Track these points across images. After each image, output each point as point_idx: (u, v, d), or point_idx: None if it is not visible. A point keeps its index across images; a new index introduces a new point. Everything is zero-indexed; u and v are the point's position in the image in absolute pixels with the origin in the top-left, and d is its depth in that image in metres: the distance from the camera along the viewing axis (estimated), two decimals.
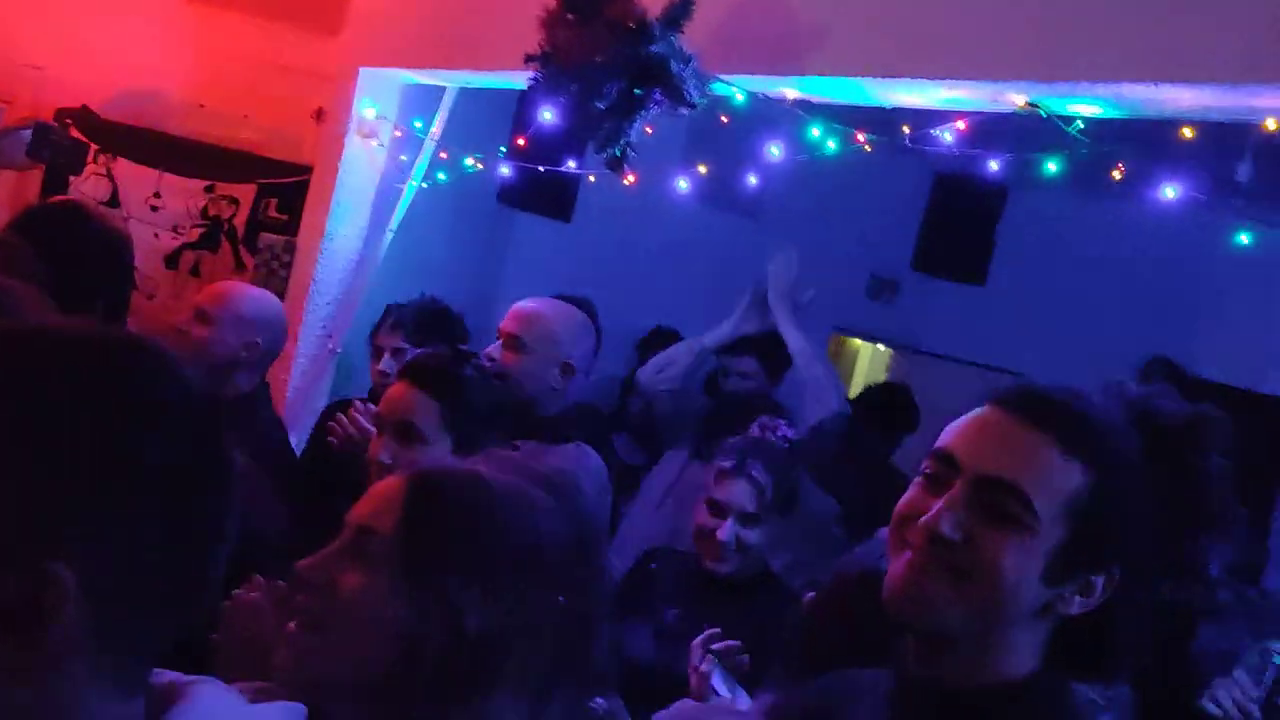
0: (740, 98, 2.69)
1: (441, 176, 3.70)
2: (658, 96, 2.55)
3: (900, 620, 1.10)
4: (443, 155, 3.67)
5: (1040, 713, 1.08)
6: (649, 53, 2.53)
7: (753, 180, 3.01)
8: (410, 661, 1.04)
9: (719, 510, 2.30)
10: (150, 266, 4.05)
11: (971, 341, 5.48)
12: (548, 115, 2.78)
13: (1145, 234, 4.26)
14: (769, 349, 3.45)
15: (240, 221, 4.12)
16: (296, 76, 3.95)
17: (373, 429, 2.29)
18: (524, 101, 3.36)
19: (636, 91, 2.57)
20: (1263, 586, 3.21)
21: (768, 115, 2.74)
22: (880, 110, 2.58)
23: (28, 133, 3.60)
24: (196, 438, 0.78)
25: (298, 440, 3.30)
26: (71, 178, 4.04)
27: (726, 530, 2.28)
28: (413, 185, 3.71)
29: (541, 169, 3.47)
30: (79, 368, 0.76)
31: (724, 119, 2.82)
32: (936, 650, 1.09)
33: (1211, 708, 1.85)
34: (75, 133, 4.01)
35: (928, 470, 1.11)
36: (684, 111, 2.62)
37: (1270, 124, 2.01)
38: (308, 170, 3.94)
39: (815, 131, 2.65)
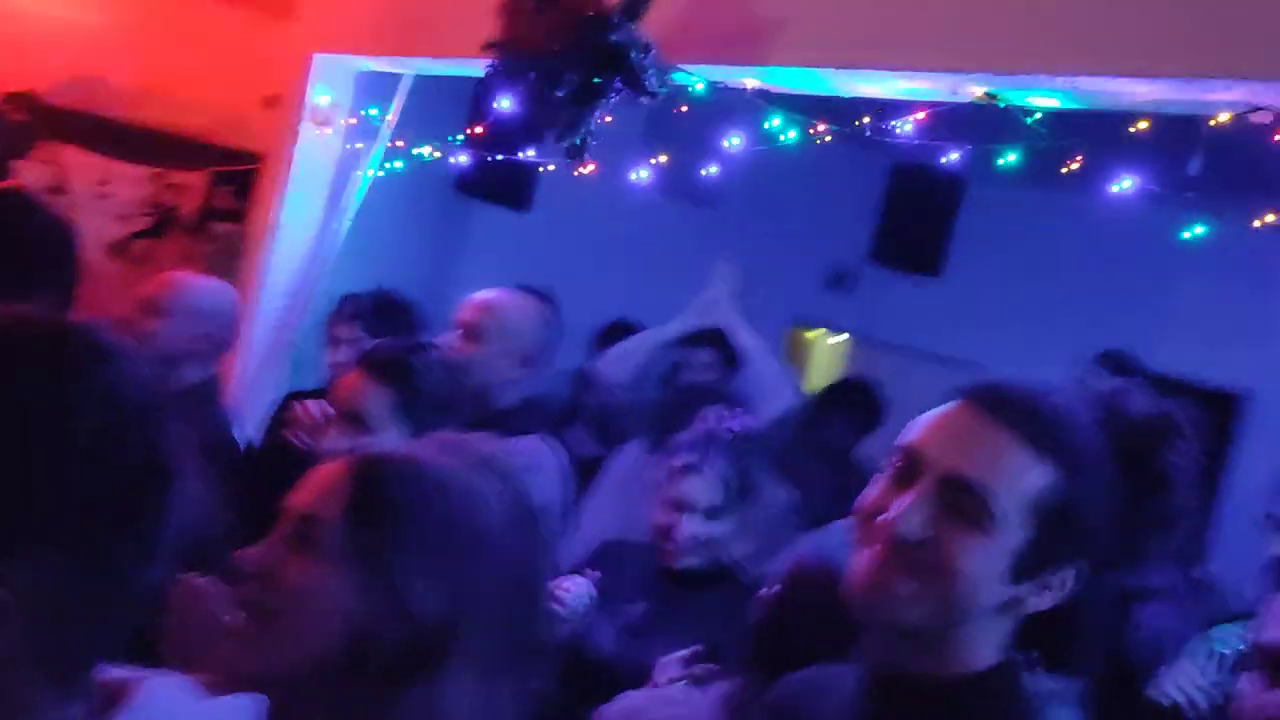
0: (700, 88, 2.68)
1: (398, 165, 3.66)
2: (617, 85, 2.54)
3: (864, 616, 1.10)
4: (399, 144, 3.63)
5: (1000, 703, 1.09)
6: (608, 41, 2.52)
7: (712, 170, 3.01)
8: (361, 648, 1.03)
9: (677, 507, 2.29)
10: (97, 255, 3.97)
11: (928, 332, 5.53)
12: (506, 104, 2.76)
13: (1100, 227, 4.31)
14: (726, 341, 3.47)
15: (191, 210, 4.05)
16: (249, 62, 3.89)
17: (325, 419, 2.27)
18: (482, 90, 3.33)
19: (596, 80, 2.55)
20: (1202, 575, 3.27)
21: (727, 106, 2.74)
22: (839, 101, 2.59)
23: None
24: (142, 442, 0.76)
25: (252, 431, 3.25)
26: (16, 163, 3.95)
27: (687, 527, 2.28)
28: (368, 174, 3.67)
29: (499, 158, 3.45)
30: (24, 364, 0.74)
31: (683, 109, 2.81)
32: (900, 645, 1.10)
33: (1160, 696, 1.87)
34: (20, 118, 3.92)
35: (894, 465, 1.11)
36: (644, 101, 2.61)
37: (1222, 117, 2.03)
38: (259, 157, 3.88)
39: (774, 122, 2.65)
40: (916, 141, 2.48)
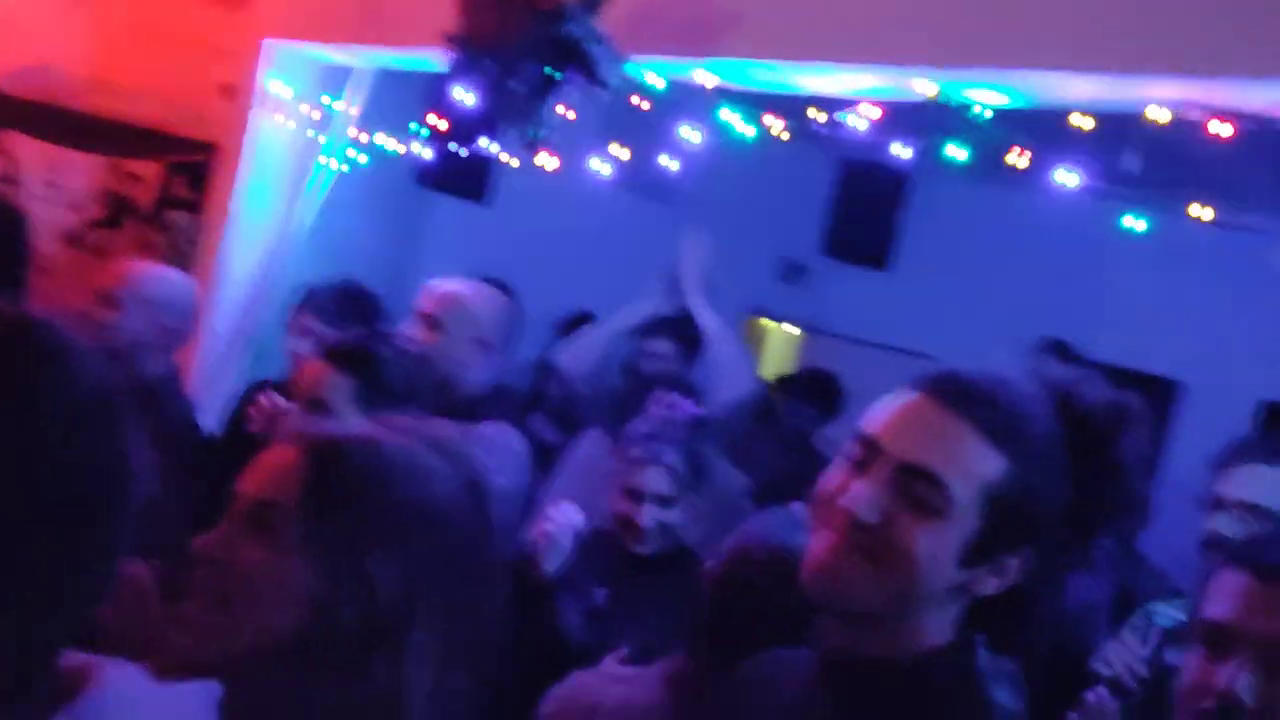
0: (658, 83, 2.73)
1: (358, 157, 3.65)
2: (574, 78, 2.58)
3: (819, 599, 1.12)
4: (359, 135, 3.63)
5: (950, 682, 1.12)
6: (565, 34, 2.55)
7: (669, 164, 3.05)
8: (320, 631, 1.04)
9: (636, 497, 2.34)
10: (51, 246, 3.93)
11: (877, 324, 5.63)
12: (465, 96, 2.78)
13: (1042, 220, 4.42)
14: (684, 330, 3.50)
15: (146, 199, 4.01)
16: (204, 51, 3.86)
17: (287, 406, 2.28)
18: (441, 81, 3.35)
19: (552, 73, 2.59)
20: (1141, 552, 3.37)
21: (683, 101, 2.78)
22: (791, 98, 2.64)
23: None
24: (98, 439, 0.76)
25: (213, 422, 3.24)
26: None
27: (646, 516, 2.32)
28: (327, 166, 3.66)
29: (459, 151, 3.46)
30: None
31: (641, 104, 2.85)
32: (854, 627, 1.13)
33: (1102, 668, 1.92)
34: None
35: (852, 451, 1.13)
36: (599, 93, 2.64)
37: (1159, 113, 2.11)
38: (217, 148, 3.85)
39: (730, 115, 2.70)
40: (866, 137, 2.54)
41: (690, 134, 2.85)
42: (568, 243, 4.67)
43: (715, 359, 3.30)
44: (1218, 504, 2.05)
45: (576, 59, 2.59)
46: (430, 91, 3.74)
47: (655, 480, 2.33)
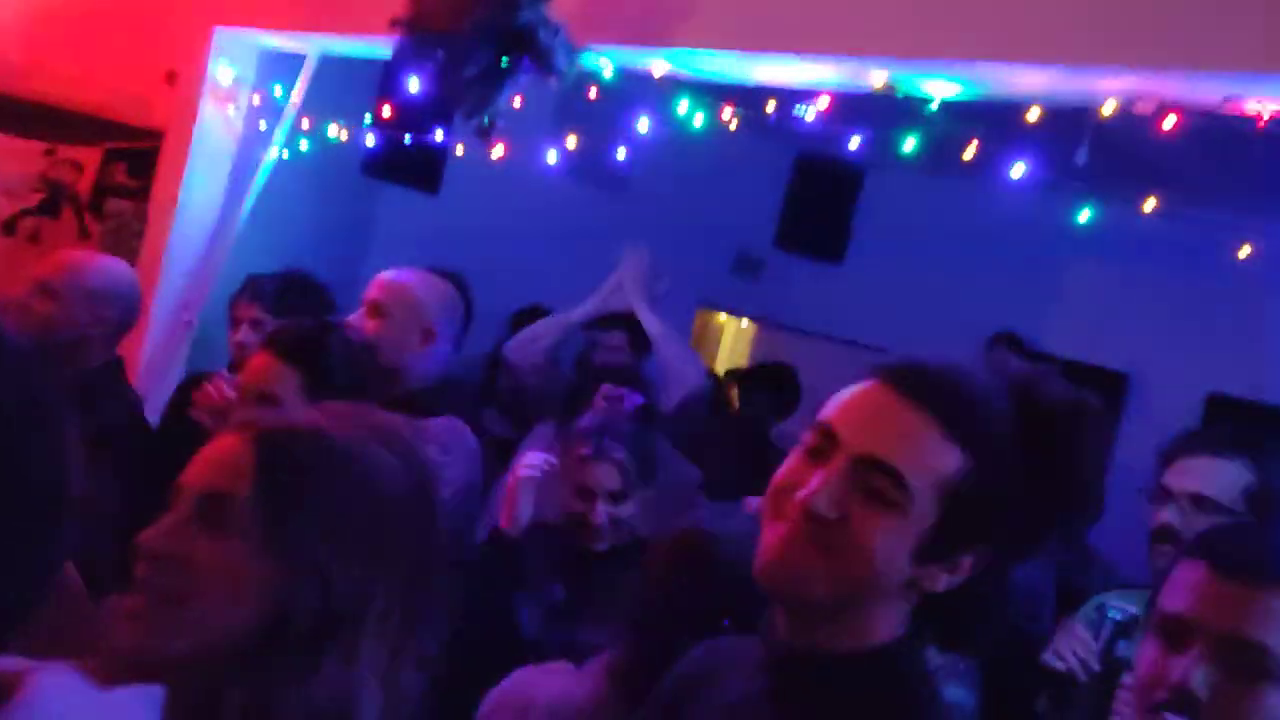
0: (609, 71, 2.70)
1: (304, 145, 3.59)
2: (526, 66, 2.54)
3: (771, 590, 1.11)
4: (305, 123, 3.57)
5: (899, 677, 1.11)
6: (517, 21, 2.52)
7: (621, 154, 3.02)
8: (276, 625, 1.02)
9: (587, 495, 2.33)
10: None
11: (831, 317, 5.65)
12: (414, 83, 2.73)
13: (995, 213, 4.45)
14: (637, 323, 3.50)
15: (85, 187, 3.90)
16: (148, 35, 3.77)
17: (234, 394, 2.24)
18: (389, 69, 3.29)
19: (504, 60, 2.55)
20: (1092, 545, 3.41)
21: (637, 91, 2.76)
22: (745, 90, 2.63)
23: None
24: (34, 441, 0.74)
25: (153, 413, 3.16)
26: None
27: (599, 513, 2.32)
28: (274, 154, 3.59)
29: (407, 139, 3.41)
30: None
31: (593, 93, 2.83)
32: (805, 619, 1.11)
33: (1054, 661, 1.93)
34: None
35: (809, 442, 1.11)
36: (552, 82, 2.61)
37: (1109, 106, 2.12)
38: (159, 134, 3.76)
39: (683, 105, 2.68)
40: (820, 128, 2.53)
41: (644, 124, 2.83)
42: (519, 234, 4.63)
43: (662, 359, 3.35)
44: (1165, 495, 2.06)
45: (529, 47, 2.55)
46: (379, 79, 3.69)
47: (605, 476, 2.32)
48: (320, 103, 3.56)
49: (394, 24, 2.64)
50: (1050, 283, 5.25)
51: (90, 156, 3.91)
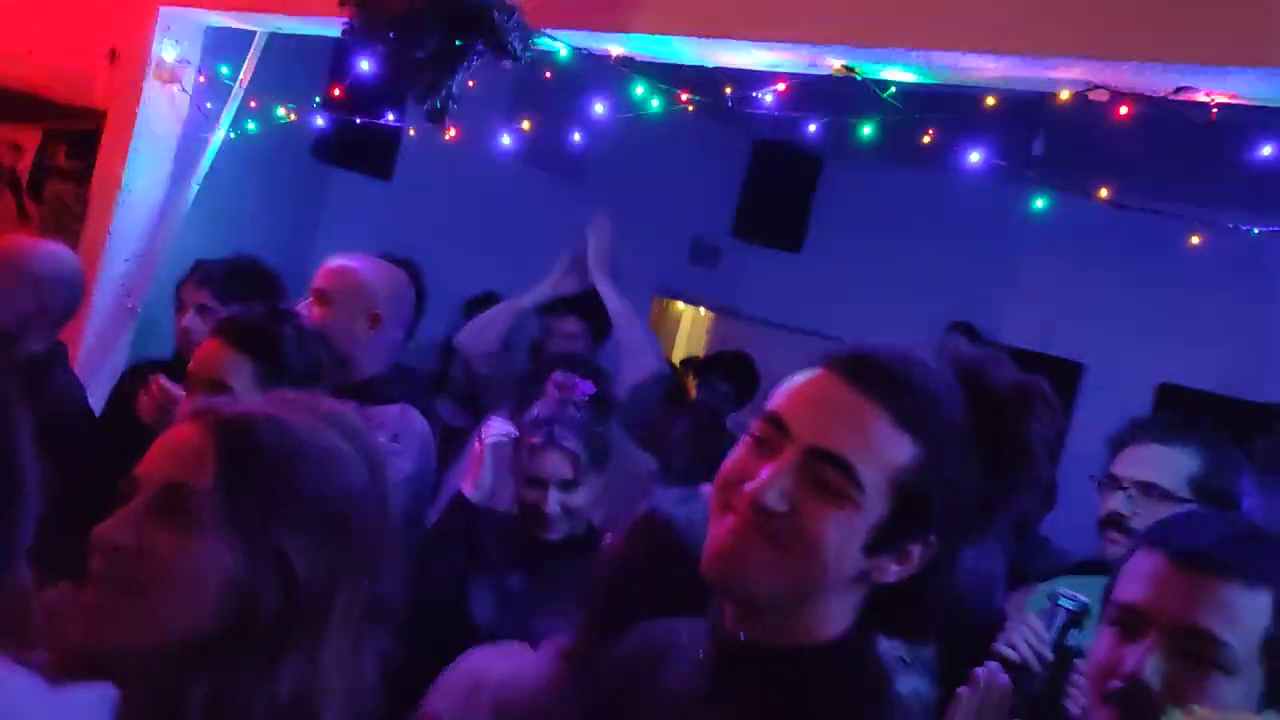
0: (564, 53, 2.66)
1: (252, 127, 3.52)
2: (479, 48, 2.50)
3: (718, 585, 1.08)
4: (252, 104, 3.49)
5: (850, 672, 1.09)
6: (470, 2, 2.48)
7: (578, 139, 2.99)
8: (242, 616, 1.01)
9: (538, 484, 2.31)
10: None
11: (789, 306, 5.66)
12: (364, 64, 2.68)
13: (952, 202, 4.48)
14: (592, 310, 3.47)
15: (24, 168, 3.80)
16: (88, 11, 3.67)
17: (182, 393, 2.20)
18: (339, 49, 3.23)
19: (457, 42, 2.51)
20: (1044, 534, 3.44)
21: (593, 75, 2.73)
22: (703, 76, 2.61)
23: None
24: None
25: (96, 401, 3.09)
26: None
27: (551, 502, 2.30)
28: (220, 135, 3.52)
29: (359, 122, 3.35)
30: None
31: (549, 77, 2.79)
32: (753, 613, 1.09)
33: (1007, 652, 1.93)
34: None
35: (757, 433, 1.08)
36: (506, 65, 2.57)
37: (1064, 95, 2.13)
38: (100, 115, 3.67)
39: (640, 90, 2.65)
40: (778, 113, 2.52)
41: (598, 108, 2.79)
42: (473, 219, 4.59)
43: (621, 341, 3.32)
44: (1114, 483, 2.08)
45: (482, 28, 2.51)
46: (328, 59, 3.62)
47: (555, 465, 2.31)
48: (269, 84, 3.49)
49: (344, 3, 2.59)
50: (1006, 273, 5.30)
51: (30, 137, 3.81)
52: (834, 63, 2.32)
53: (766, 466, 1.05)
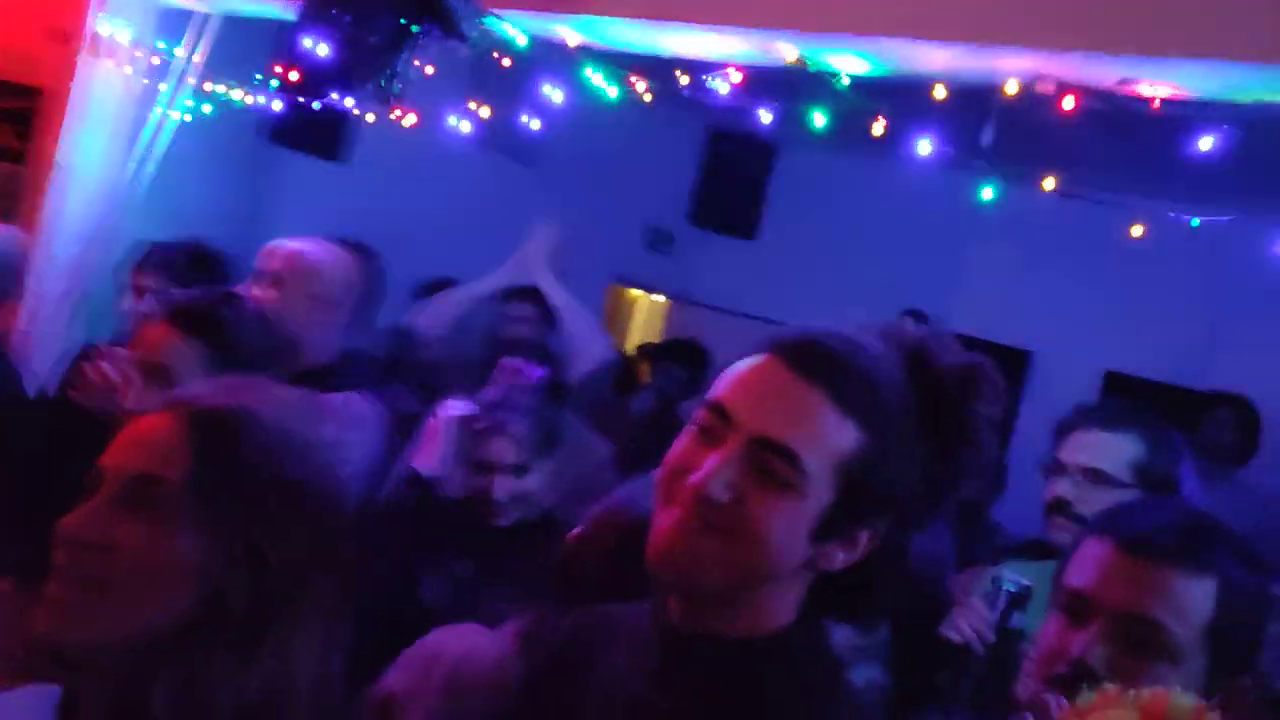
0: (521, 40, 2.65)
1: (204, 109, 3.46)
2: (432, 31, 2.48)
3: (664, 578, 1.07)
4: (203, 85, 3.44)
5: (800, 662, 1.09)
6: None
7: (533, 124, 2.98)
8: (211, 610, 1.00)
9: (486, 469, 2.30)
10: None
11: (744, 294, 5.68)
12: (316, 46, 2.65)
13: (903, 191, 4.51)
14: (545, 295, 3.48)
15: None
16: None
17: (126, 377, 2.15)
18: (292, 30, 3.18)
19: (410, 25, 2.49)
20: (992, 518, 3.49)
21: (549, 60, 2.71)
22: (658, 64, 2.61)
23: None
24: None
25: (42, 385, 3.03)
26: None
27: (499, 488, 2.28)
28: (167, 116, 3.45)
29: (311, 105, 3.31)
30: None
31: (505, 62, 2.77)
32: (698, 604, 1.08)
33: (952, 635, 1.95)
34: None
35: (701, 421, 1.07)
36: (459, 48, 2.56)
37: (1011, 86, 2.15)
38: (44, 93, 3.59)
39: (595, 76, 2.65)
40: (732, 102, 2.52)
41: (553, 93, 2.78)
42: (426, 204, 4.55)
43: (569, 332, 3.34)
44: (1059, 469, 2.10)
45: (434, 11, 2.50)
46: (279, 40, 3.56)
47: (503, 450, 2.29)
48: (221, 65, 3.43)
49: None
50: (956, 261, 5.35)
51: None
52: (786, 51, 2.33)
53: (711, 457, 1.04)
